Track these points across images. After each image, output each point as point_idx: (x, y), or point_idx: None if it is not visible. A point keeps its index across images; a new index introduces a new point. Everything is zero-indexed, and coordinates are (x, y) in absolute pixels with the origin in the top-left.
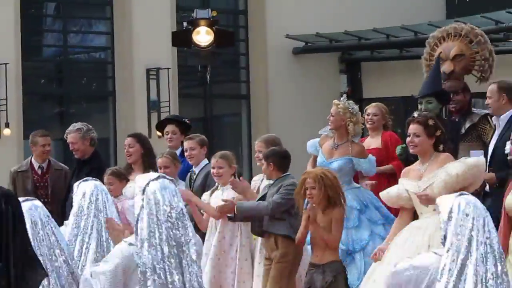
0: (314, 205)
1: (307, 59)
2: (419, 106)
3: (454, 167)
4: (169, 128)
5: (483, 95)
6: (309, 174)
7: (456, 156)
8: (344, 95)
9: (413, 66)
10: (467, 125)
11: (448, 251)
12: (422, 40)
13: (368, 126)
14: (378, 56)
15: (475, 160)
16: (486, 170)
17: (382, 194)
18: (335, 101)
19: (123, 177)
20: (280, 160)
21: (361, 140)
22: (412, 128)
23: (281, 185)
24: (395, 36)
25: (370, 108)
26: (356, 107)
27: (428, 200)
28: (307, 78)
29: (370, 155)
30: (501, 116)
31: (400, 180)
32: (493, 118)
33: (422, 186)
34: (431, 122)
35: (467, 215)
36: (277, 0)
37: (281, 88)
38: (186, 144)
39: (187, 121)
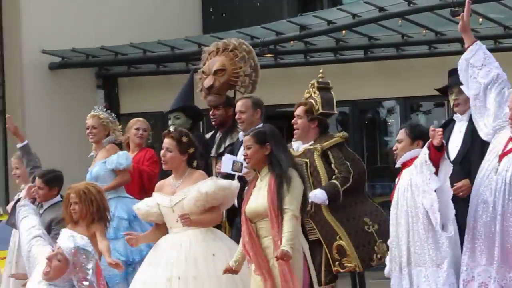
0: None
1: (64, 75)
2: (169, 122)
3: (206, 186)
4: None
5: None
6: (73, 188)
7: (209, 173)
8: (101, 106)
9: (169, 81)
10: (228, 142)
11: None
12: (179, 55)
13: (137, 141)
14: (135, 71)
15: (228, 182)
16: None
17: (135, 208)
18: (95, 112)
19: None
20: (62, 184)
21: None
22: (165, 142)
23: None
24: (152, 51)
25: (140, 123)
26: (114, 115)
27: (190, 223)
28: (64, 93)
29: (121, 151)
30: None
31: (154, 194)
32: (239, 134)
33: (174, 201)
34: (185, 139)
35: None
36: (32, 15)
37: (38, 104)
38: None
39: None
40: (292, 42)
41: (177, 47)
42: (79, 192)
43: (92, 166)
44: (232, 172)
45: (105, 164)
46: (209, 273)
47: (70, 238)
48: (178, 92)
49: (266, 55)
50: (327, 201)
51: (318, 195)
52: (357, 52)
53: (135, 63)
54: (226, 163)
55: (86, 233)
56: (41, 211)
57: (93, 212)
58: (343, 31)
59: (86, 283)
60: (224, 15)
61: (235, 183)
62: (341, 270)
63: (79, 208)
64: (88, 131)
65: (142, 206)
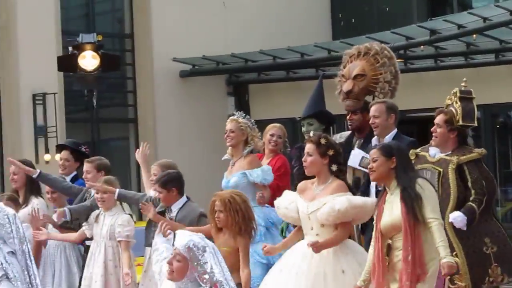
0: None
1: (194, 82)
2: (302, 128)
3: (339, 203)
4: (62, 155)
5: None
6: (219, 196)
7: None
8: (241, 112)
9: (299, 87)
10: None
11: None
12: (308, 62)
13: (270, 147)
14: (265, 78)
15: (362, 201)
16: None
17: (275, 204)
18: (234, 117)
19: (17, 202)
20: (181, 183)
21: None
22: (306, 147)
23: (195, 209)
24: (282, 58)
25: (275, 129)
26: (253, 121)
27: (318, 249)
28: (195, 101)
29: (265, 165)
30: (386, 137)
31: (295, 196)
32: (373, 139)
33: (310, 210)
34: (323, 141)
35: None
36: (163, 24)
37: (168, 111)
38: (84, 166)
39: (84, 149)
40: (422, 46)
41: (306, 53)
42: (224, 200)
43: (229, 171)
44: (359, 168)
45: (244, 176)
46: None
47: (184, 236)
48: (309, 98)
49: (398, 60)
50: (465, 228)
51: (459, 219)
52: (488, 56)
53: (265, 69)
54: (355, 157)
55: (231, 243)
56: (172, 215)
57: (239, 222)
58: (474, 35)
59: (206, 276)
60: (353, 20)
61: (371, 200)
62: (451, 286)
63: (224, 216)
64: (226, 135)
65: (282, 205)
